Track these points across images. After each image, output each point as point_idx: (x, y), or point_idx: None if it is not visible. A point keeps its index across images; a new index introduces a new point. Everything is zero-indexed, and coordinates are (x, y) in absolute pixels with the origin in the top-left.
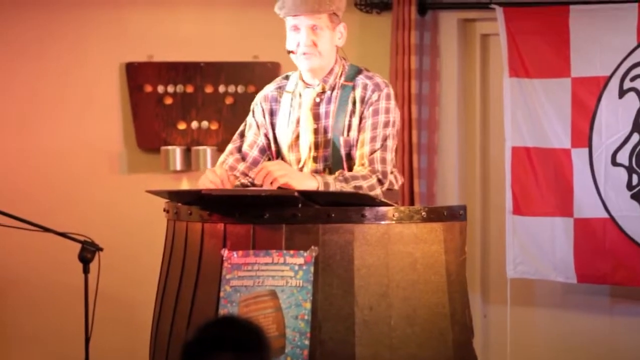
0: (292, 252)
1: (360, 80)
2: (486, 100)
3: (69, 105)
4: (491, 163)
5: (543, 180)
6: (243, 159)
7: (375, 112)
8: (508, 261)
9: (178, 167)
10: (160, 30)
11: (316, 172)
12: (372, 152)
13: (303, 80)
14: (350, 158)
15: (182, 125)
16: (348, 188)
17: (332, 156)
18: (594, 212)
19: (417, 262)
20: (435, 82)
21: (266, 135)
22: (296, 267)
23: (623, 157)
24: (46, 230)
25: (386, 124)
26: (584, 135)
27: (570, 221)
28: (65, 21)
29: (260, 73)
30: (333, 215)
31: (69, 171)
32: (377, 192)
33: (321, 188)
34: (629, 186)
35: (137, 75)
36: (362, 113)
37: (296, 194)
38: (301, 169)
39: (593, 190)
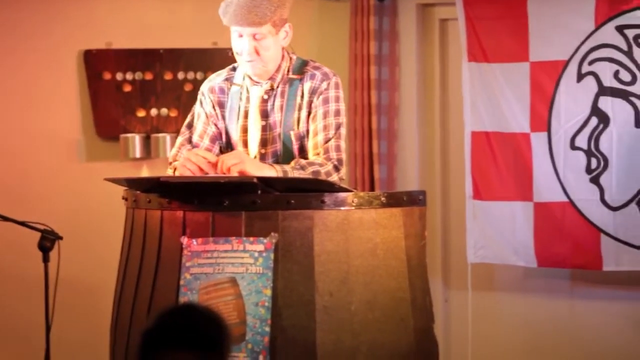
0: (251, 239)
1: (308, 72)
2: (445, 86)
3: (26, 93)
4: (451, 148)
5: (503, 165)
6: (195, 149)
7: (326, 101)
8: (468, 246)
9: (137, 154)
10: (119, 17)
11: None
12: (326, 140)
13: (249, 77)
14: (302, 151)
15: (141, 113)
16: (306, 175)
17: (282, 151)
18: (554, 196)
19: (377, 248)
20: (394, 68)
21: (216, 125)
22: (256, 254)
23: (582, 140)
24: (5, 219)
25: (337, 112)
26: (543, 119)
27: (530, 205)
28: (22, 8)
29: (219, 60)
30: (292, 201)
31: (28, 160)
32: (334, 178)
33: (280, 175)
34: (588, 170)
35: (95, 62)
36: (311, 103)
37: (255, 180)
38: None
39: (552, 174)
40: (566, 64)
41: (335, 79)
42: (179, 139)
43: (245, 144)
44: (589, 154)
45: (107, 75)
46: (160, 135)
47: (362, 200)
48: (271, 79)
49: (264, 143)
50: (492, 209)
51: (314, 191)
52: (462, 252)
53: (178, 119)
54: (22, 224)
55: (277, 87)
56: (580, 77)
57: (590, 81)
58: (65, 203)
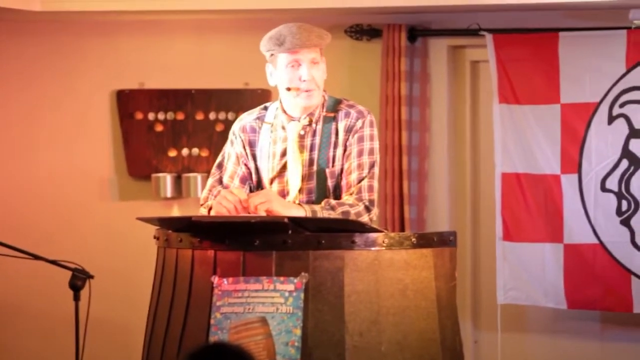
0: (282, 278)
1: (343, 110)
2: (476, 126)
3: (60, 133)
4: (481, 189)
5: (533, 206)
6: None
7: (360, 140)
8: (498, 287)
9: (169, 194)
10: (151, 58)
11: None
12: (360, 180)
13: (285, 113)
14: (336, 189)
15: (172, 153)
16: (335, 215)
17: (316, 188)
18: (584, 238)
19: (408, 288)
20: (425, 109)
21: (246, 165)
22: (286, 294)
23: (612, 182)
24: (37, 258)
25: (371, 151)
26: (573, 161)
27: (560, 247)
28: (56, 49)
29: (250, 100)
30: (323, 241)
31: (61, 199)
32: (365, 219)
33: (309, 216)
34: (619, 212)
35: (128, 102)
36: (346, 141)
37: (286, 220)
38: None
39: (583, 215)
40: (597, 106)
41: (370, 117)
42: (210, 180)
43: (281, 180)
44: (619, 196)
45: (139, 115)
46: (192, 175)
47: (393, 241)
48: (310, 114)
49: (302, 179)
50: (522, 250)
51: (344, 231)
52: (492, 293)
53: (209, 158)
54: (54, 262)
55: (315, 123)
56: (611, 119)
57: (621, 123)
58: (97, 242)
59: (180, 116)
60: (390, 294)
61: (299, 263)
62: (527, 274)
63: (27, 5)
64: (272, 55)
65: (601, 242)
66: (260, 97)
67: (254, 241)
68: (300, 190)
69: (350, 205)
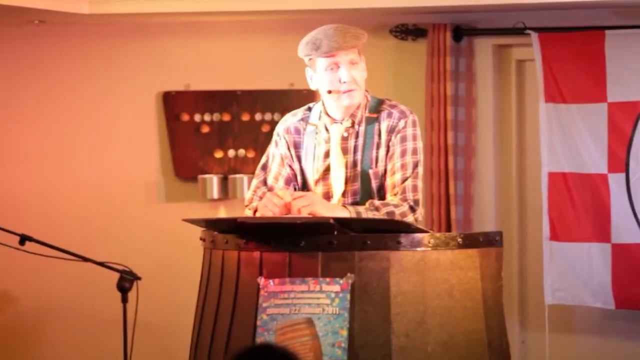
0: (328, 279)
1: (385, 110)
2: (522, 126)
3: (106, 135)
4: (528, 189)
5: (580, 206)
6: (269, 191)
7: (403, 139)
8: (546, 287)
9: (215, 195)
10: (197, 59)
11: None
12: (404, 180)
13: (328, 115)
14: (380, 190)
15: (219, 154)
16: (380, 216)
17: (360, 190)
18: (632, 237)
19: (454, 289)
20: (471, 108)
21: (291, 167)
22: (332, 295)
23: None
24: (85, 259)
25: (414, 151)
26: (620, 160)
27: (608, 246)
28: (103, 51)
29: (296, 100)
30: (369, 242)
31: (107, 201)
32: (410, 219)
33: (353, 216)
34: None
35: (174, 104)
36: (389, 141)
37: (331, 221)
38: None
39: (630, 215)
40: None
41: (413, 116)
42: (254, 182)
43: (325, 182)
44: None
45: (185, 117)
46: (238, 176)
47: (439, 241)
48: (352, 115)
49: (346, 181)
50: (569, 250)
51: (390, 232)
52: (539, 293)
53: (255, 159)
54: (102, 264)
55: (358, 124)
56: None
57: None
58: (144, 244)
59: (226, 117)
60: (436, 295)
61: (344, 264)
62: (575, 274)
63: (75, 8)
64: (310, 59)
65: None
66: (305, 97)
67: (300, 242)
68: (344, 193)
69: (394, 205)
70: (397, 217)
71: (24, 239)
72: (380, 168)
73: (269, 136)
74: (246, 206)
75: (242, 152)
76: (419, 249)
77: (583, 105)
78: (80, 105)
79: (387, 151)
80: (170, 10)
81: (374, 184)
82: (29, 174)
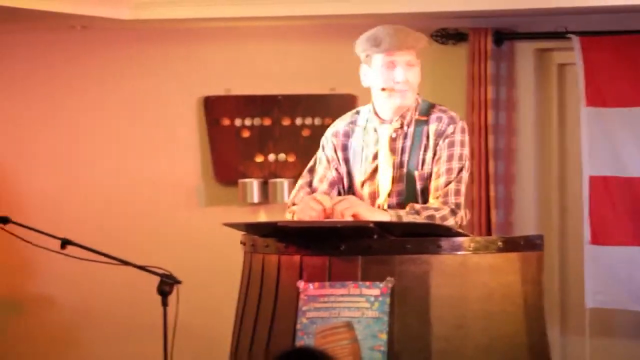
0: (368, 283)
1: (435, 114)
2: (564, 130)
3: (147, 139)
4: (569, 192)
5: (621, 209)
6: (313, 192)
7: (451, 144)
8: (587, 291)
9: (255, 199)
10: (237, 64)
11: (389, 206)
12: (447, 183)
13: (377, 116)
14: (424, 192)
15: (259, 158)
16: (420, 220)
17: (405, 191)
18: None
19: (494, 293)
20: (511, 112)
21: (337, 170)
22: (372, 299)
23: None
24: (125, 263)
25: (461, 157)
26: None
27: None
28: (144, 56)
29: (336, 105)
30: (409, 246)
31: (149, 205)
32: (450, 222)
33: (394, 219)
34: None
35: (214, 108)
36: (436, 145)
37: (372, 225)
38: (374, 203)
39: None
40: None
41: (462, 123)
42: (299, 182)
43: (372, 183)
44: None
45: (225, 121)
46: (278, 180)
47: (479, 245)
48: (402, 117)
49: (393, 181)
50: (610, 253)
51: (430, 235)
52: (580, 297)
53: (296, 164)
54: (142, 268)
55: (407, 126)
56: None
57: None
58: (185, 248)
59: (267, 122)
60: (476, 298)
61: (384, 268)
62: (616, 277)
63: (116, 13)
64: (367, 56)
65: None
66: (346, 101)
67: (340, 246)
68: (389, 193)
69: (435, 209)
70: (438, 221)
71: (64, 242)
72: (426, 170)
73: (309, 140)
74: (289, 207)
75: (282, 156)
76: (459, 252)
77: (624, 109)
78: (122, 110)
79: (434, 155)
80: (209, 15)
81: (419, 186)
82: (72, 178)
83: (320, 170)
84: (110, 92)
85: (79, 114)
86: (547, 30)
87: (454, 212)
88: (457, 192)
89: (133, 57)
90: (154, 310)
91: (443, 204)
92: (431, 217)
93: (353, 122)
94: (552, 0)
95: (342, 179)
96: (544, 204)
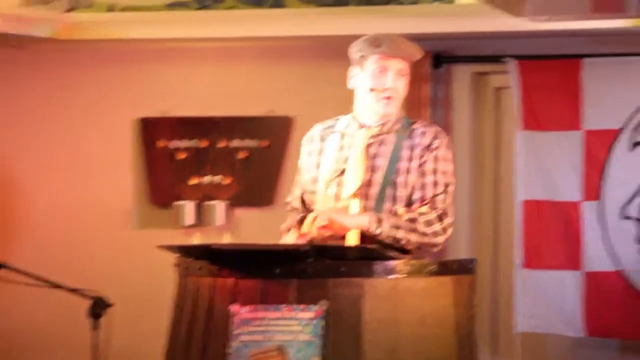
0: (302, 306)
1: (419, 128)
2: (498, 153)
3: (82, 160)
4: (502, 216)
5: (553, 234)
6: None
7: (437, 159)
8: (517, 314)
9: (190, 222)
10: (175, 85)
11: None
12: (435, 195)
13: (357, 121)
14: (394, 199)
15: (194, 180)
16: (401, 222)
17: (377, 195)
18: (604, 266)
19: (427, 316)
20: (447, 135)
21: (308, 174)
22: (305, 322)
23: (633, 210)
24: (56, 286)
25: (447, 172)
26: (594, 188)
27: (580, 274)
28: (80, 76)
29: (273, 127)
30: (343, 269)
31: (82, 226)
32: (436, 227)
33: (373, 222)
34: (638, 240)
35: (151, 130)
36: (421, 157)
37: (307, 248)
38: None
39: (602, 243)
40: (619, 132)
41: (447, 139)
42: (293, 190)
43: (337, 184)
44: None
45: (161, 143)
46: (213, 202)
47: (412, 268)
48: (382, 124)
49: (364, 184)
50: (541, 277)
51: (364, 259)
52: (511, 321)
53: (232, 186)
54: (73, 290)
55: (385, 133)
56: (633, 146)
57: None
58: (118, 270)
59: (203, 144)
60: (409, 322)
61: (319, 291)
62: (547, 301)
63: (50, 33)
64: (362, 56)
65: (621, 270)
66: (283, 123)
67: (274, 269)
68: (355, 195)
69: (420, 213)
70: (421, 225)
71: None
72: (408, 180)
73: (246, 163)
74: (289, 211)
75: (217, 178)
76: (392, 276)
77: (559, 132)
78: (57, 130)
79: (419, 166)
80: (148, 36)
81: (399, 193)
82: (5, 199)
83: (298, 179)
84: (47, 112)
85: (13, 133)
86: (485, 54)
87: (440, 218)
88: (444, 202)
89: (69, 77)
90: (85, 333)
91: (429, 208)
92: (413, 220)
93: (330, 127)
94: (490, 24)
95: (313, 183)
96: (477, 227)
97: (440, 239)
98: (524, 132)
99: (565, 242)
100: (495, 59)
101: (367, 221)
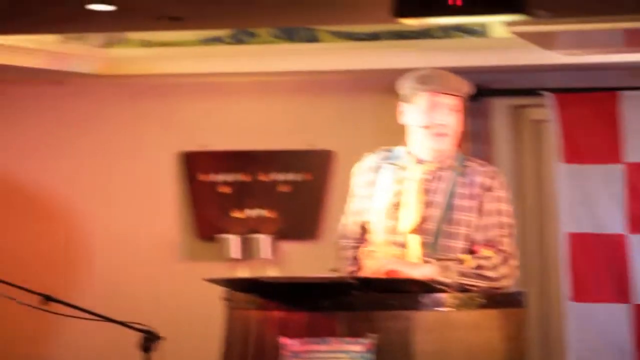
0: (350, 339)
1: (475, 167)
2: (540, 186)
3: (127, 195)
4: (548, 249)
5: (600, 266)
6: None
7: (497, 199)
8: (569, 348)
9: (235, 255)
10: (215, 119)
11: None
12: (499, 236)
13: (413, 155)
14: (450, 236)
15: (238, 214)
16: (467, 270)
17: (432, 231)
18: None
19: (476, 350)
20: None
21: (361, 205)
22: (355, 354)
23: None
24: (107, 319)
25: (508, 213)
26: (639, 220)
27: (629, 307)
28: (122, 111)
29: (314, 161)
30: (390, 302)
31: (130, 261)
32: (502, 270)
33: (440, 272)
34: None
35: (192, 163)
36: (480, 197)
37: (353, 281)
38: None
39: None
40: None
41: (503, 178)
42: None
43: (393, 217)
44: None
45: (203, 177)
46: (257, 236)
47: (461, 301)
48: (439, 161)
49: (421, 220)
50: (591, 310)
51: (413, 292)
52: (561, 354)
53: (275, 220)
54: (122, 324)
55: (442, 170)
56: None
57: None
58: (166, 303)
59: (245, 177)
60: (458, 355)
61: (366, 324)
62: (596, 334)
63: (92, 69)
64: (412, 93)
65: None
66: (324, 157)
67: (321, 301)
68: (414, 230)
69: (485, 257)
70: (488, 269)
71: (46, 298)
72: (468, 219)
73: (287, 196)
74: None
75: (261, 212)
76: (440, 309)
77: (600, 165)
78: (100, 165)
79: (480, 206)
80: (186, 71)
81: (455, 230)
82: (53, 234)
83: (349, 208)
84: (90, 148)
85: (58, 170)
86: (522, 87)
87: (506, 260)
88: (509, 244)
89: (110, 113)
90: None
91: (495, 252)
92: (480, 266)
93: (384, 158)
94: (526, 58)
95: (364, 213)
96: (524, 260)
97: (507, 282)
98: (564, 165)
99: (613, 274)
100: (533, 92)
101: (433, 271)
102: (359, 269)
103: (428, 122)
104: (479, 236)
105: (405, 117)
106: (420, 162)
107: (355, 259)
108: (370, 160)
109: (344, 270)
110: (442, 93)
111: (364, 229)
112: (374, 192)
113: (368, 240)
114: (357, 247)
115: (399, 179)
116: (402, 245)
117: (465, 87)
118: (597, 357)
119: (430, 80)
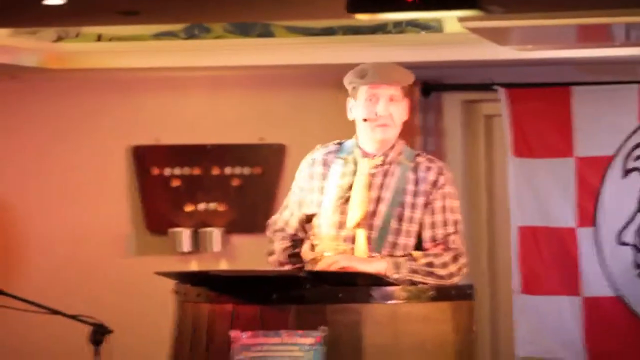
0: (301, 332)
1: (423, 163)
2: (492, 180)
3: (77, 189)
4: (498, 242)
5: (549, 259)
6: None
7: (444, 196)
8: (517, 340)
9: (186, 248)
10: (167, 113)
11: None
12: (447, 234)
13: (361, 149)
14: (398, 233)
15: (189, 207)
16: (418, 267)
17: (379, 227)
18: (602, 291)
19: (426, 342)
20: None
21: (305, 199)
22: (306, 347)
23: (629, 236)
24: (56, 313)
25: (455, 209)
26: (589, 214)
27: (578, 300)
28: (71, 105)
29: (266, 155)
30: (341, 295)
31: (79, 254)
32: (452, 268)
33: (391, 268)
34: (636, 265)
35: (144, 158)
36: (429, 194)
37: (303, 274)
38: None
39: (599, 269)
40: (611, 159)
41: (451, 174)
42: (282, 213)
43: (341, 212)
44: (636, 249)
45: (155, 171)
46: (209, 229)
47: (411, 295)
48: (385, 154)
49: (365, 216)
50: (539, 303)
51: (364, 285)
52: (510, 346)
53: (226, 213)
54: (73, 317)
55: (387, 164)
56: (625, 173)
57: (635, 177)
58: (116, 297)
59: (197, 171)
60: (408, 348)
61: (317, 317)
62: (545, 327)
63: (39, 62)
64: (354, 88)
65: (619, 295)
66: (275, 151)
67: (272, 295)
68: (358, 225)
69: (434, 255)
70: (438, 267)
71: None
72: (416, 215)
73: (238, 190)
74: (272, 232)
75: (212, 205)
76: (390, 302)
77: (551, 159)
78: (50, 159)
79: (426, 203)
80: (140, 65)
81: (397, 226)
82: (1, 227)
83: (289, 200)
84: (40, 141)
85: (8, 164)
86: (474, 82)
87: (455, 259)
88: (458, 241)
89: (61, 106)
90: None
91: (443, 250)
92: (430, 264)
93: (333, 152)
94: (479, 53)
95: (308, 206)
96: (474, 253)
97: (456, 280)
98: (516, 159)
99: (563, 267)
100: (485, 87)
101: (385, 267)
102: (294, 264)
103: (368, 115)
104: (427, 233)
105: (351, 113)
106: (366, 155)
107: (283, 251)
108: (317, 153)
109: (269, 263)
110: (380, 84)
111: (303, 223)
112: (316, 185)
113: (311, 234)
114: (287, 240)
115: (346, 172)
116: (349, 240)
117: (407, 77)
118: (546, 350)
119: (367, 73)
